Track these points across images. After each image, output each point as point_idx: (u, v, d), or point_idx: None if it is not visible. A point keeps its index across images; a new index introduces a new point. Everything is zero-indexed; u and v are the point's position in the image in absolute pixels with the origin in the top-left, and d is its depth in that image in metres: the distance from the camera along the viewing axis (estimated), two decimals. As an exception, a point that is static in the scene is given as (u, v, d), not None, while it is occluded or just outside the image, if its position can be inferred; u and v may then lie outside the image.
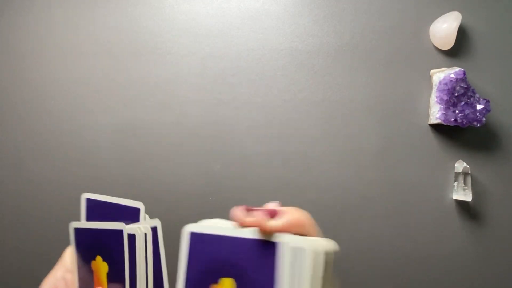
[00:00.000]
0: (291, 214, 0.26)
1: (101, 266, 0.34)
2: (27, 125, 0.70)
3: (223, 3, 0.70)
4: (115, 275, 0.33)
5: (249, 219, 0.25)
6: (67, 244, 0.37)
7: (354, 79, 0.66)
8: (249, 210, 0.26)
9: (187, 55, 0.69)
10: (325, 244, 0.26)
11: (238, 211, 0.26)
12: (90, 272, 0.34)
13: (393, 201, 0.64)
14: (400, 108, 0.65)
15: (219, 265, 0.25)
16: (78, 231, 0.35)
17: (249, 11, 0.69)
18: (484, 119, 0.60)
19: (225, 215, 0.31)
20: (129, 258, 0.32)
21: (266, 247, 0.24)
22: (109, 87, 0.69)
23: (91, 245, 0.34)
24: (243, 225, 0.25)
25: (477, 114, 0.60)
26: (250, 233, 0.25)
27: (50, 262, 0.67)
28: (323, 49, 0.67)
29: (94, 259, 0.34)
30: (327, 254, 0.25)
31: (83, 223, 0.35)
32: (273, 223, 0.25)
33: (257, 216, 0.25)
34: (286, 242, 0.24)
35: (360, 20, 0.67)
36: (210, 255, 0.25)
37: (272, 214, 0.26)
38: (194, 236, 0.26)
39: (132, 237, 0.32)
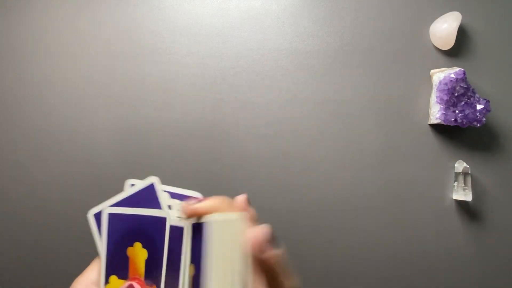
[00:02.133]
0: (207, 201, 0.33)
1: (139, 252, 0.34)
2: (27, 125, 0.70)
3: (223, 3, 0.70)
4: (154, 263, 0.34)
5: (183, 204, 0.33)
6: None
7: (354, 79, 0.66)
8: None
9: (187, 55, 0.69)
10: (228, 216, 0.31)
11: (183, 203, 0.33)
12: (124, 258, 0.35)
13: (393, 201, 0.64)
14: (400, 108, 0.65)
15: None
16: (113, 216, 0.35)
17: (249, 11, 0.69)
18: (484, 119, 0.60)
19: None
20: (169, 248, 0.34)
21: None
22: (109, 87, 0.69)
23: (129, 231, 0.35)
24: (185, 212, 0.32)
25: (477, 114, 0.60)
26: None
27: (49, 262, 0.68)
28: (323, 49, 0.67)
29: (132, 245, 0.34)
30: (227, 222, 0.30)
31: (121, 209, 0.35)
32: (193, 206, 0.32)
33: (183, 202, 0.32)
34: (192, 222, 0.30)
35: (360, 20, 0.67)
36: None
37: (198, 200, 0.34)
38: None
39: (175, 228, 0.34)
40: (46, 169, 0.69)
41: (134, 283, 0.33)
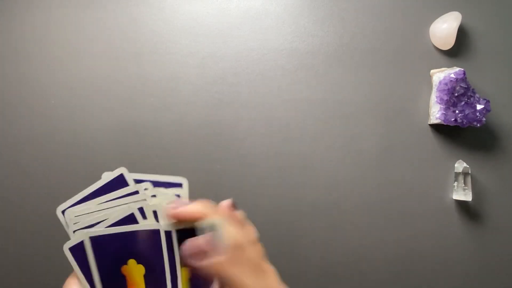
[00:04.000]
0: (192, 206, 0.33)
1: (135, 269, 0.33)
2: (27, 125, 0.70)
3: (223, 3, 0.70)
4: (154, 275, 0.33)
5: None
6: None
7: (354, 79, 0.66)
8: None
9: (187, 55, 0.69)
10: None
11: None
12: (120, 278, 0.33)
13: (393, 201, 0.64)
14: (400, 108, 0.65)
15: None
16: (96, 239, 0.33)
17: (249, 11, 0.69)
18: (484, 119, 0.60)
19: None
20: (168, 257, 0.33)
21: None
22: (109, 87, 0.69)
23: (119, 251, 0.33)
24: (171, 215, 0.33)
25: (477, 114, 0.60)
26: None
27: (49, 263, 0.68)
28: (323, 49, 0.67)
29: (125, 263, 0.33)
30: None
31: (103, 230, 0.33)
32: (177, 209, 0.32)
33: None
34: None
35: (360, 20, 0.67)
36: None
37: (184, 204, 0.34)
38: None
39: (168, 235, 0.33)
40: (46, 168, 0.69)
41: None
